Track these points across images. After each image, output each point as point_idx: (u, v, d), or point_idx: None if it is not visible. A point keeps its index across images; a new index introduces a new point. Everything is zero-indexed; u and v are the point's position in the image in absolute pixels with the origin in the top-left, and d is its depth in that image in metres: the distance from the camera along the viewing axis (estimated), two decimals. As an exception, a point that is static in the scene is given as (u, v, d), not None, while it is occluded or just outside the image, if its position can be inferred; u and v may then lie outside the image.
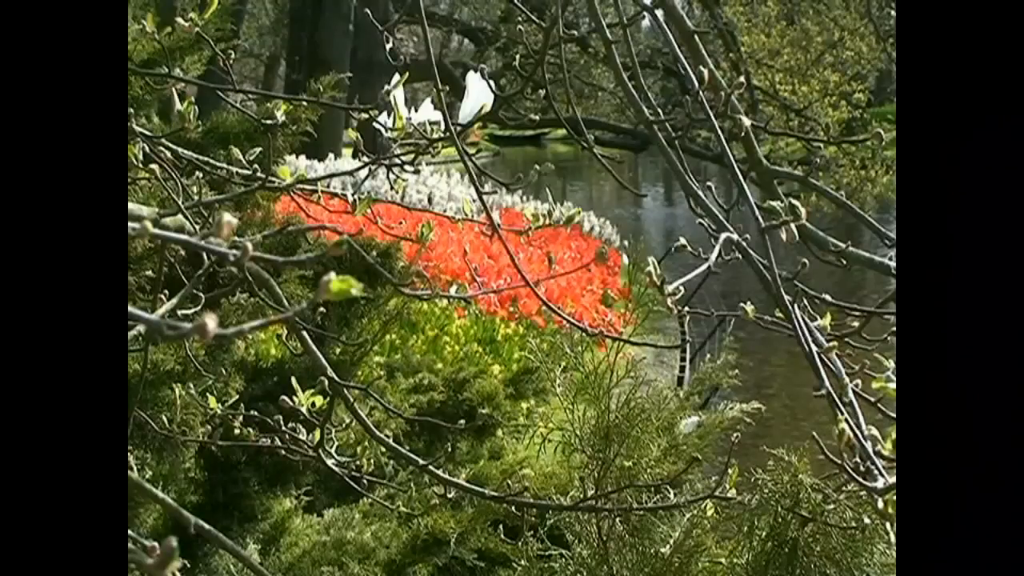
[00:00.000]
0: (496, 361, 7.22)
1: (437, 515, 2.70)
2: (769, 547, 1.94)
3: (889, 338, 1.25)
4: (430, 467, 1.53)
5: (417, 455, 1.59)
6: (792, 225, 1.16)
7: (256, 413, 1.72)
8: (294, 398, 1.53)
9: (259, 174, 1.55)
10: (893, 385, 1.07)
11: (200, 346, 2.12)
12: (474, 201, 1.68)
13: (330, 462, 1.57)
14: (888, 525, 0.98)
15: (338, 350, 2.95)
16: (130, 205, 1.40)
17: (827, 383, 1.11)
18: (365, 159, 1.57)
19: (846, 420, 1.05)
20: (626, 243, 12.27)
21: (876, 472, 0.99)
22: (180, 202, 1.49)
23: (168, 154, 1.61)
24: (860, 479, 1.01)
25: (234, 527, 2.83)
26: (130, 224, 0.67)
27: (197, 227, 1.50)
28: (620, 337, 1.86)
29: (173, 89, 1.54)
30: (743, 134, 1.40)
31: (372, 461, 2.92)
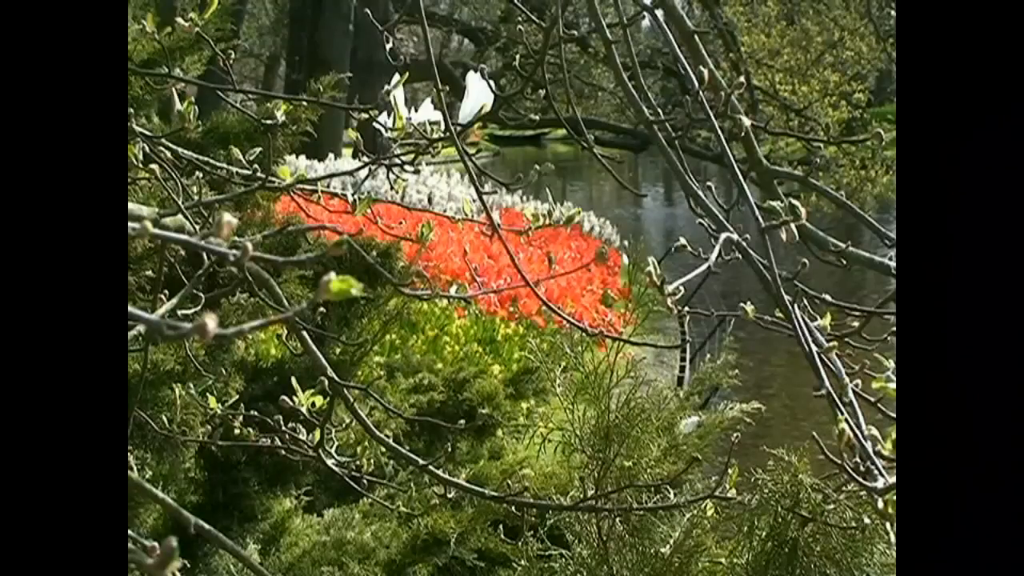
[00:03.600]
0: (496, 361, 7.22)
1: (437, 515, 2.70)
2: (769, 547, 1.94)
3: (889, 338, 1.25)
4: (430, 467, 1.53)
5: (417, 455, 1.59)
6: (792, 225, 1.16)
7: (256, 413, 1.72)
8: (294, 398, 1.53)
9: (259, 174, 1.55)
10: (893, 385, 1.07)
11: (200, 346, 2.12)
12: (474, 201, 1.68)
13: (330, 462, 1.57)
14: (888, 525, 0.98)
15: (338, 350, 2.94)
16: (130, 205, 1.40)
17: (827, 383, 1.11)
18: (365, 159, 1.57)
19: (846, 420, 1.05)
20: (626, 243, 12.27)
21: (876, 472, 1.00)
22: (180, 202, 1.49)
23: (168, 154, 1.61)
24: (860, 479, 1.01)
25: (234, 527, 2.83)
26: (130, 224, 0.67)
27: (197, 227, 1.50)
28: (620, 337, 1.86)
29: (173, 89, 1.54)
30: (743, 134, 1.40)
31: (372, 461, 2.92)
